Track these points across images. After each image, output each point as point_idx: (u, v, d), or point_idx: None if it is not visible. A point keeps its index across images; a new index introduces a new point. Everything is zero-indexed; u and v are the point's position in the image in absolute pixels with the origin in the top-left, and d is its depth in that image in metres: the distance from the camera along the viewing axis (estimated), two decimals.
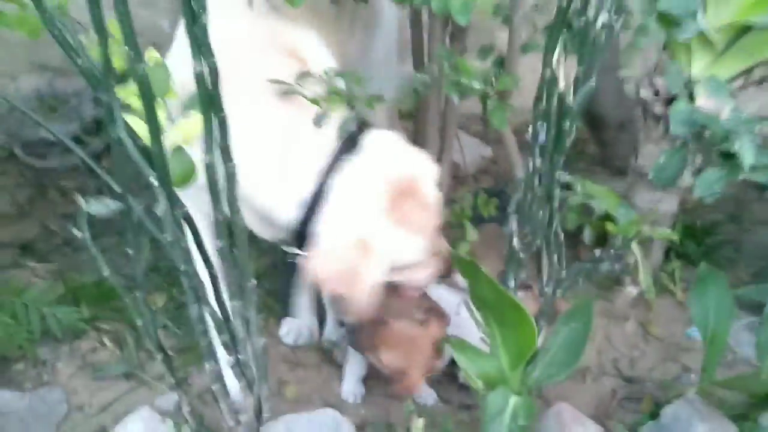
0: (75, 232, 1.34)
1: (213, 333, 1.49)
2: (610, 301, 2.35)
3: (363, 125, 1.65)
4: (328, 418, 1.59)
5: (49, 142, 3.07)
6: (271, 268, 2.44)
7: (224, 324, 1.46)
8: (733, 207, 2.84)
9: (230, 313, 1.43)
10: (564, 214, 2.16)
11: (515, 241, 1.51)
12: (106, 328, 2.21)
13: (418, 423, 1.73)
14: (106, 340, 2.18)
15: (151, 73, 1.31)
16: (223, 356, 1.52)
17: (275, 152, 1.58)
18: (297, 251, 1.63)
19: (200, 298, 1.44)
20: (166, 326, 2.22)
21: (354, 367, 2.01)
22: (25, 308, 2.04)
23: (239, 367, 1.51)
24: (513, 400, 1.63)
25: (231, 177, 1.27)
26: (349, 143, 1.61)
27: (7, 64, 3.62)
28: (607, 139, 3.06)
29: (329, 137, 1.60)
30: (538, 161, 1.37)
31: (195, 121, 1.32)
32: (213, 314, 1.45)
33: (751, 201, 2.98)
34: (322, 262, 1.56)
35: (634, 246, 2.22)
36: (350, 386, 1.98)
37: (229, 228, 1.35)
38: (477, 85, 1.59)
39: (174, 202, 1.34)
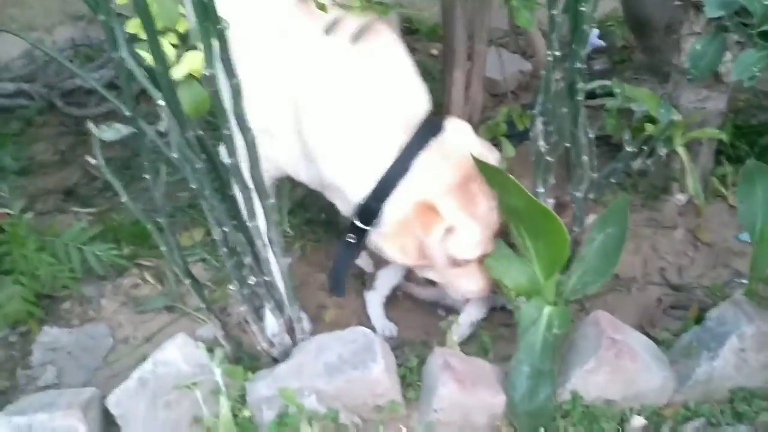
0: (89, 159, 1.33)
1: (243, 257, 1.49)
2: (658, 210, 2.25)
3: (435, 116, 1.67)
4: (359, 335, 1.58)
5: (86, 90, 3.10)
6: (309, 197, 2.43)
7: (246, 245, 1.45)
8: None
9: (252, 234, 1.41)
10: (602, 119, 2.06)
11: (540, 143, 1.43)
12: (148, 265, 2.25)
13: (454, 337, 1.70)
14: (147, 276, 2.21)
15: (157, 2, 1.29)
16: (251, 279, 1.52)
17: (355, 123, 1.57)
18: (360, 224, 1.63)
19: (222, 221, 1.43)
20: (204, 259, 2.24)
21: (376, 300, 1.99)
22: (65, 247, 2.07)
23: (266, 288, 1.50)
24: (547, 309, 1.58)
25: (236, 92, 1.24)
26: (427, 126, 1.61)
27: (42, 17, 3.65)
28: (653, 44, 2.88)
29: (407, 116, 1.61)
30: (557, 53, 1.28)
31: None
32: (232, 235, 1.44)
33: None
34: (395, 234, 1.59)
35: (681, 150, 2.09)
36: (379, 322, 1.96)
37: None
38: None
39: (184, 123, 1.32)
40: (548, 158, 1.47)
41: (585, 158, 1.46)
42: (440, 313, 2.03)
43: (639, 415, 1.57)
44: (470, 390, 1.55)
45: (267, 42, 1.54)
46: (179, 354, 1.62)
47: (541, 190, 1.54)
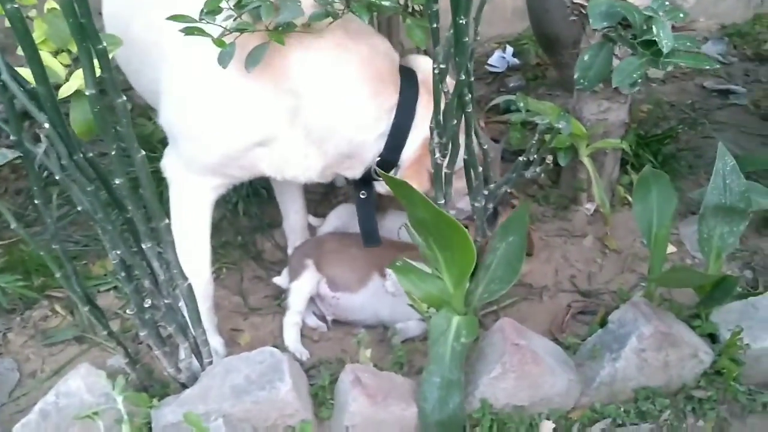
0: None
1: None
2: (568, 220, 2.31)
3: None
4: (267, 355, 1.56)
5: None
6: (225, 220, 2.41)
7: (144, 268, 1.42)
8: (692, 115, 2.78)
9: (148, 255, 1.39)
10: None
11: (437, 155, 1.45)
12: (58, 296, 2.18)
13: (366, 353, 1.70)
14: (57, 308, 2.15)
15: (48, 23, 1.28)
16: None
17: (359, 90, 1.66)
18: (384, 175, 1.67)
19: (116, 244, 1.40)
20: (116, 287, 2.19)
21: (291, 322, 1.98)
22: None
23: (166, 311, 1.47)
24: (456, 319, 1.60)
25: (123, 112, 1.22)
26: (405, 70, 1.73)
27: None
28: (563, 61, 2.98)
29: (394, 73, 1.71)
30: (443, 66, 1.31)
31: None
32: (129, 258, 1.41)
33: (713, 109, 2.93)
34: (415, 172, 1.69)
35: (586, 161, 2.17)
36: (293, 345, 1.94)
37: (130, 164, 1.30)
38: (387, 2, 1.52)
39: (72, 145, 1.29)
40: (447, 171, 1.49)
41: (479, 169, 1.49)
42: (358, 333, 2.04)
43: (548, 419, 1.59)
44: (381, 404, 1.55)
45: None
46: (82, 384, 1.57)
47: (441, 201, 1.56)
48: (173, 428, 1.50)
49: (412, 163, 1.71)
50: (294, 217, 2.24)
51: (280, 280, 2.09)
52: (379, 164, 1.73)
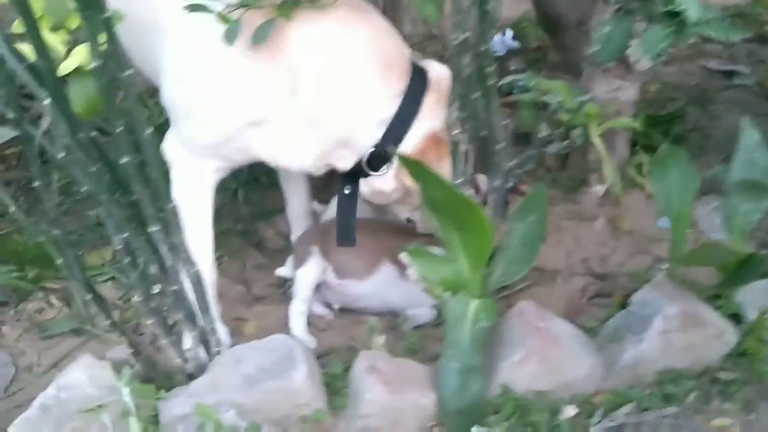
0: None
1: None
2: (577, 202, 2.26)
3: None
4: (279, 343, 1.50)
5: None
6: (227, 206, 2.34)
7: (151, 253, 1.36)
8: (699, 95, 2.74)
9: (155, 239, 1.32)
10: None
11: (456, 132, 1.39)
12: (54, 288, 2.11)
13: (379, 340, 1.64)
14: (53, 300, 2.07)
15: None
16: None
17: (363, 69, 1.60)
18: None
19: (121, 228, 1.34)
20: (114, 278, 2.12)
21: (298, 310, 1.92)
22: None
23: (173, 299, 1.40)
24: (474, 303, 1.54)
25: (129, 86, 1.15)
26: (418, 69, 1.65)
27: None
28: (566, 42, 2.91)
29: (403, 64, 1.63)
30: (465, 35, 1.24)
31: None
32: (134, 243, 1.34)
33: (719, 90, 2.88)
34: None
35: (597, 141, 2.11)
36: (300, 334, 1.88)
37: (136, 143, 1.23)
38: None
39: (75, 124, 1.22)
40: (463, 147, 1.43)
41: (501, 146, 1.43)
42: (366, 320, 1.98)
43: (570, 404, 1.54)
44: (398, 392, 1.49)
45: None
46: (84, 376, 1.51)
47: (459, 180, 1.50)
48: (182, 420, 1.43)
49: (416, 156, 1.62)
50: (297, 203, 2.18)
51: (285, 270, 2.02)
52: (372, 156, 1.65)
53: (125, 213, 1.31)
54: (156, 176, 1.25)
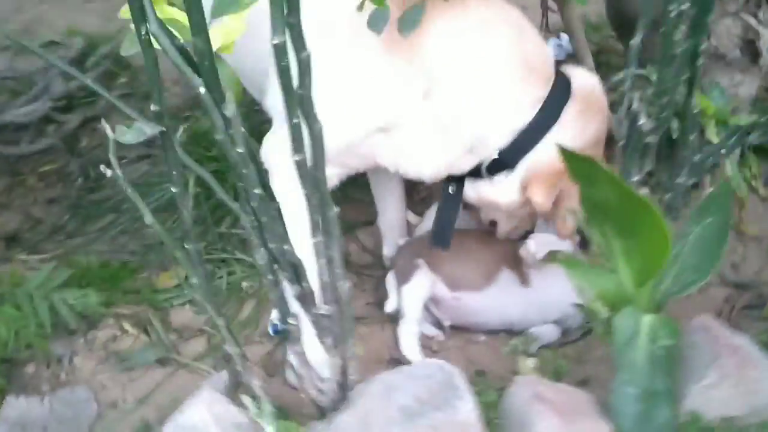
0: (104, 170, 1.01)
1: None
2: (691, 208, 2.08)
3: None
4: (435, 369, 1.30)
5: (18, 125, 2.71)
6: None
7: (299, 269, 1.16)
8: None
9: (315, 252, 1.12)
10: None
11: (643, 120, 1.21)
12: (125, 313, 1.89)
13: (528, 362, 1.45)
14: (127, 326, 1.86)
15: None
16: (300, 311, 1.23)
17: (504, 72, 1.49)
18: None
19: (265, 239, 1.14)
20: (191, 300, 1.91)
21: (408, 330, 1.73)
22: (29, 299, 1.70)
23: (322, 321, 1.20)
24: (647, 319, 1.35)
25: (305, 67, 0.96)
26: (562, 76, 1.56)
27: None
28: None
29: (545, 65, 1.54)
30: (684, 5, 1.07)
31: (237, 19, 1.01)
32: (285, 256, 1.14)
33: None
34: (542, 184, 1.51)
35: (716, 140, 1.95)
36: (416, 357, 1.69)
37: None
38: None
39: (229, 117, 1.02)
40: (650, 139, 1.25)
41: (694, 136, 1.25)
42: (481, 339, 1.79)
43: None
44: (573, 423, 1.30)
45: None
46: (208, 414, 1.29)
47: (636, 177, 1.32)
48: None
49: (540, 175, 1.53)
50: (392, 214, 1.99)
51: (390, 305, 1.82)
52: (493, 162, 1.55)
53: (277, 223, 1.11)
54: (321, 178, 1.05)
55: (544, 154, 1.52)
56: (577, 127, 1.53)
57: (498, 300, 1.74)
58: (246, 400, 1.21)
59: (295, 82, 0.95)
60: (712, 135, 1.95)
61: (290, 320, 1.19)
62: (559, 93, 1.53)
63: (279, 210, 1.09)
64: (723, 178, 1.97)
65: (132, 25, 0.95)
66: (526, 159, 1.54)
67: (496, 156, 1.54)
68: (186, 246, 1.13)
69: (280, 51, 0.91)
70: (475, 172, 1.59)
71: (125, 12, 0.98)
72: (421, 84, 1.45)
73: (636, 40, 1.20)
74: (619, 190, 1.29)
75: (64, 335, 1.81)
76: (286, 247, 1.10)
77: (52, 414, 1.62)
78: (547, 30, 2.89)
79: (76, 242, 2.21)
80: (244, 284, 1.92)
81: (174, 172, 1.05)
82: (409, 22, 1.24)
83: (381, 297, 1.88)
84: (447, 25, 1.43)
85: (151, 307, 1.89)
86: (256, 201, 1.07)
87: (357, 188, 2.10)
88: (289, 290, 1.22)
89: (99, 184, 2.47)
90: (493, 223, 1.76)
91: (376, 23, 1.21)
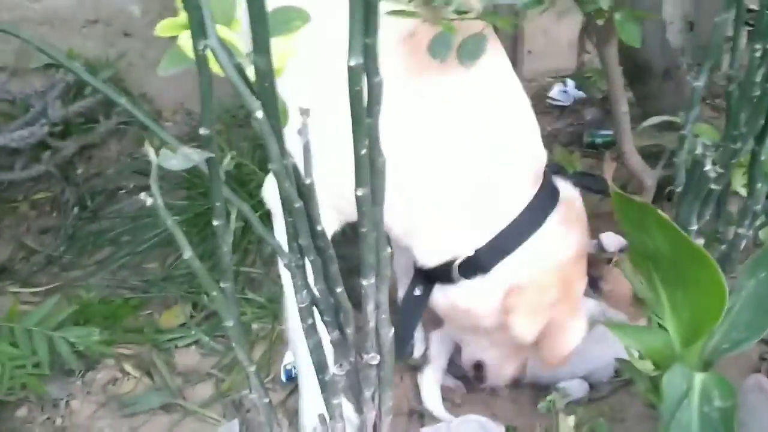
0: (145, 197, 0.92)
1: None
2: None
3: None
4: (474, 425, 1.21)
5: (12, 150, 2.60)
6: None
7: (346, 315, 1.07)
8: None
9: (365, 296, 1.03)
10: None
11: (708, 167, 1.15)
12: (126, 353, 1.78)
13: (569, 421, 1.37)
14: (128, 367, 1.74)
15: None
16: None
17: (475, 165, 1.35)
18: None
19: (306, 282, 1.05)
20: (198, 341, 1.80)
21: (431, 379, 1.64)
22: (27, 335, 1.58)
23: (367, 372, 1.11)
24: (699, 378, 1.28)
25: (377, 93, 0.88)
26: (549, 181, 1.43)
27: None
28: (650, 91, 2.76)
29: (532, 164, 1.41)
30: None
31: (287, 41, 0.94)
32: (329, 301, 1.06)
33: None
34: (525, 310, 1.37)
35: (742, 191, 1.90)
36: (437, 408, 1.59)
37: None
38: None
39: (282, 146, 0.94)
40: (714, 186, 1.19)
41: (761, 184, 1.20)
42: (504, 393, 1.70)
43: None
44: None
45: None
46: None
47: (695, 227, 1.26)
48: None
49: (523, 298, 1.37)
50: (407, 257, 1.91)
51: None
52: (466, 261, 1.38)
53: (331, 263, 1.02)
54: (380, 214, 0.97)
55: (528, 263, 1.37)
56: (562, 237, 1.40)
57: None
58: None
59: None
60: (739, 186, 1.92)
61: (336, 371, 1.08)
62: (546, 197, 1.40)
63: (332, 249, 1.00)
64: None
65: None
66: (503, 264, 1.38)
67: (471, 254, 1.38)
68: (222, 285, 1.03)
69: (355, 74, 0.83)
70: (445, 276, 1.42)
71: (164, 28, 0.90)
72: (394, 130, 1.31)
73: (700, 82, 1.15)
74: (673, 238, 1.23)
75: (60, 376, 1.70)
76: (338, 290, 1.00)
77: None
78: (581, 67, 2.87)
79: (73, 275, 2.10)
80: (255, 326, 1.82)
81: (217, 204, 0.96)
82: (472, 52, 1.17)
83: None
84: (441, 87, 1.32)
85: (155, 347, 1.78)
86: (306, 239, 0.98)
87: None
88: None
89: (96, 214, 2.37)
90: (478, 367, 1.59)
91: (438, 50, 1.15)
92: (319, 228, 0.94)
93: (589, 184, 1.62)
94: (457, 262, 1.38)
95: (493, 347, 1.50)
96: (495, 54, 1.35)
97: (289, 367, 1.66)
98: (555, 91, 3.22)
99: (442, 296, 1.43)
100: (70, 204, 2.43)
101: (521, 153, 1.39)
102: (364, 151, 0.88)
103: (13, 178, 2.54)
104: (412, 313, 1.46)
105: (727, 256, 1.33)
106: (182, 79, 1.00)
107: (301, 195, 0.97)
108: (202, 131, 0.92)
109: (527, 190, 1.37)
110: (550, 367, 1.47)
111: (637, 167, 1.82)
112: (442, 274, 1.40)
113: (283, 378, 1.68)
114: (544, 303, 1.37)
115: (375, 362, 1.05)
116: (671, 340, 1.32)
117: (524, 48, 2.25)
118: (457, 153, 1.33)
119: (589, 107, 3.04)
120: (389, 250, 1.03)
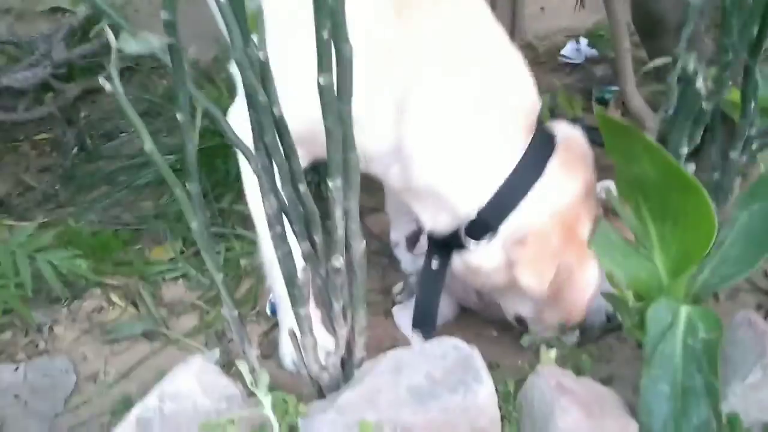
0: (102, 82, 0.90)
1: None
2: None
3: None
4: (449, 348, 1.17)
5: (15, 91, 2.60)
6: None
7: (312, 219, 1.04)
8: None
9: (332, 200, 1.00)
10: None
11: (700, 83, 1.10)
12: (113, 284, 1.77)
13: (550, 353, 1.33)
14: (114, 297, 1.74)
15: None
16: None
17: (469, 119, 1.31)
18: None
19: (273, 184, 1.02)
20: (185, 275, 1.79)
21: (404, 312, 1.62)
22: (11, 257, 1.57)
23: (334, 279, 1.08)
24: (684, 310, 1.23)
25: None
26: (543, 127, 1.39)
27: None
28: (664, 47, 2.67)
29: (525, 111, 1.36)
30: None
31: None
32: (295, 205, 1.03)
33: None
34: (532, 259, 1.32)
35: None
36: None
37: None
38: None
39: (247, 38, 0.91)
40: (706, 105, 1.14)
41: (754, 104, 1.14)
42: (494, 334, 1.67)
43: None
44: (596, 418, 1.17)
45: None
46: (196, 384, 1.17)
47: (685, 150, 1.21)
48: None
49: (528, 248, 1.33)
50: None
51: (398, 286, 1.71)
52: (471, 224, 1.35)
53: (294, 161, 0.99)
54: (347, 108, 0.94)
55: (531, 215, 1.33)
56: (564, 185, 1.35)
57: None
58: (242, 366, 1.08)
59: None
60: None
61: (300, 275, 1.06)
62: (541, 144, 1.35)
63: (294, 147, 0.97)
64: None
65: None
66: (508, 220, 1.34)
67: (475, 217, 1.34)
68: (188, 186, 1.01)
69: None
70: (458, 243, 1.38)
71: None
72: (396, 90, 1.28)
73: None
74: (661, 164, 1.18)
75: (45, 303, 1.70)
76: (302, 188, 0.98)
77: (26, 383, 1.50)
78: None
79: (68, 211, 2.10)
80: (243, 261, 1.80)
81: (181, 96, 0.93)
82: None
83: (388, 285, 1.77)
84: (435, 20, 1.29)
85: (142, 279, 1.77)
86: (270, 136, 0.95)
87: (363, 174, 2.00)
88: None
89: (95, 154, 2.37)
90: (520, 321, 1.54)
91: None
92: (276, 112, 0.90)
93: (595, 137, 1.57)
94: (463, 227, 1.35)
95: (525, 301, 1.45)
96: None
97: (274, 300, 1.64)
98: (568, 49, 3.15)
99: (459, 262, 1.40)
100: (70, 145, 2.43)
101: (513, 102, 1.34)
102: (326, 35, 0.85)
103: (17, 119, 2.55)
104: (432, 287, 1.43)
105: (719, 185, 1.28)
106: (188, 25, 0.96)
107: (264, 88, 0.94)
108: (164, 16, 0.90)
109: (521, 141, 1.33)
110: (573, 320, 1.42)
111: (638, 109, 1.76)
112: (454, 241, 1.37)
113: (269, 311, 1.66)
114: (547, 252, 1.32)
115: (339, 264, 1.02)
116: (658, 271, 1.28)
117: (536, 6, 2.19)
118: (448, 106, 1.29)
119: (597, 65, 2.98)
120: (357, 153, 0.99)
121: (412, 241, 1.78)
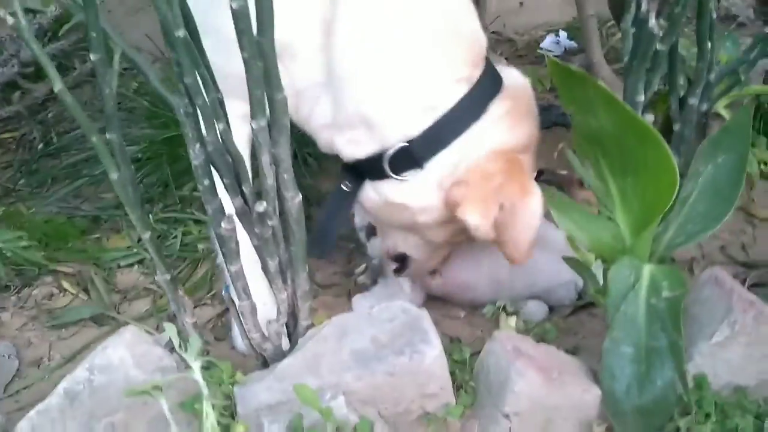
0: (3, 15, 0.84)
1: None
2: None
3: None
4: (398, 311, 1.11)
5: None
6: None
7: (240, 168, 0.98)
8: None
9: (255, 143, 0.94)
10: None
11: (652, 22, 1.04)
12: (66, 271, 1.71)
13: (510, 321, 1.26)
14: (66, 284, 1.67)
15: None
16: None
17: (417, 34, 1.22)
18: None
19: (198, 132, 0.96)
20: (141, 261, 1.73)
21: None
22: None
23: (266, 241, 1.02)
24: (647, 268, 1.17)
25: None
26: (491, 66, 1.30)
27: None
28: None
29: (477, 50, 1.28)
30: None
31: None
32: (219, 153, 0.96)
33: None
34: (476, 198, 1.23)
35: (724, 111, 1.78)
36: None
37: None
38: None
39: None
40: (661, 47, 1.08)
41: (711, 44, 1.08)
42: (461, 315, 1.60)
43: None
44: (557, 382, 1.11)
45: None
46: (128, 354, 1.10)
47: (641, 98, 1.14)
48: (270, 412, 1.03)
49: (472, 188, 1.24)
50: None
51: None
52: (399, 153, 1.24)
53: (217, 107, 0.93)
54: (269, 43, 0.88)
55: (469, 155, 1.24)
56: (506, 127, 1.27)
57: (486, 268, 1.54)
58: (170, 328, 1.01)
59: None
60: (721, 108, 1.80)
61: (224, 224, 0.99)
62: (489, 82, 1.26)
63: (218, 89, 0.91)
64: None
65: None
66: (440, 157, 1.25)
67: (404, 145, 1.24)
68: (108, 136, 0.95)
69: None
70: (376, 170, 1.28)
71: None
72: (321, 10, 1.18)
73: None
74: (619, 115, 1.12)
75: None
76: (220, 126, 0.91)
77: None
78: None
79: (27, 204, 2.04)
80: (201, 246, 1.73)
81: (93, 34, 0.87)
82: None
83: (352, 267, 1.71)
84: None
85: (96, 266, 1.70)
86: (191, 77, 0.89)
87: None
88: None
89: (60, 149, 2.31)
90: (399, 258, 1.46)
91: None
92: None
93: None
94: (389, 154, 1.24)
95: (422, 243, 1.38)
96: None
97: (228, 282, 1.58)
98: (547, 42, 3.11)
99: (372, 192, 1.30)
100: (36, 142, 2.38)
101: (459, 29, 1.25)
102: None
103: None
104: (337, 207, 1.34)
105: (680, 135, 1.21)
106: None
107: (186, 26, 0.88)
108: None
109: (465, 73, 1.24)
110: (519, 262, 1.31)
111: (607, 79, 1.71)
112: (371, 168, 1.27)
113: (224, 294, 1.59)
114: (491, 189, 1.23)
115: (261, 209, 0.95)
116: (621, 231, 1.22)
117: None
118: (384, 24, 1.20)
119: (575, 57, 2.93)
120: (282, 94, 0.93)
121: (373, 227, 1.72)
